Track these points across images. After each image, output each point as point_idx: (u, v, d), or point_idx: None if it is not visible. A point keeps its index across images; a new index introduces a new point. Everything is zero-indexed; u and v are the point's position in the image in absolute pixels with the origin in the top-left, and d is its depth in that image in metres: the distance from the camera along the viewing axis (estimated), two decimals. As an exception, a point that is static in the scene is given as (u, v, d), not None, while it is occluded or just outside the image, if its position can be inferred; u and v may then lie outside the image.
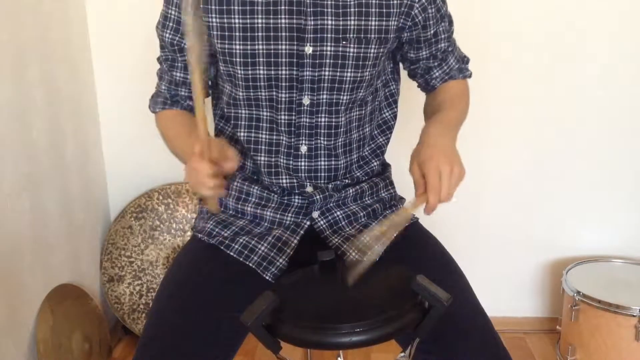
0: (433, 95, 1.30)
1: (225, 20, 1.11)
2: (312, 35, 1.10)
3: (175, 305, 1.09)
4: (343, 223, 1.22)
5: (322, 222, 1.21)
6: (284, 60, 1.12)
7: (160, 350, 1.03)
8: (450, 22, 1.25)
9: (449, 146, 1.08)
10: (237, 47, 1.12)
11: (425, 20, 1.18)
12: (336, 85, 1.15)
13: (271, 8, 1.09)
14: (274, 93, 1.15)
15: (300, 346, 0.89)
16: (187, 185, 2.07)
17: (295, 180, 1.20)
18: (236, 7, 1.10)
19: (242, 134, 1.21)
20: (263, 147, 1.20)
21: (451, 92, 1.28)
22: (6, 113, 1.55)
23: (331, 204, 1.23)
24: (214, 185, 0.97)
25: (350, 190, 1.24)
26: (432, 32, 1.21)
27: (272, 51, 1.11)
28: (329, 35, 1.11)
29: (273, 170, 1.20)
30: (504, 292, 2.16)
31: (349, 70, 1.14)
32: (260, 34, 1.10)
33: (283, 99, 1.15)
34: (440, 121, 1.16)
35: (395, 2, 1.14)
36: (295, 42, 1.10)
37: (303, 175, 1.20)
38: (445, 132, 1.12)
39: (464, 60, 1.31)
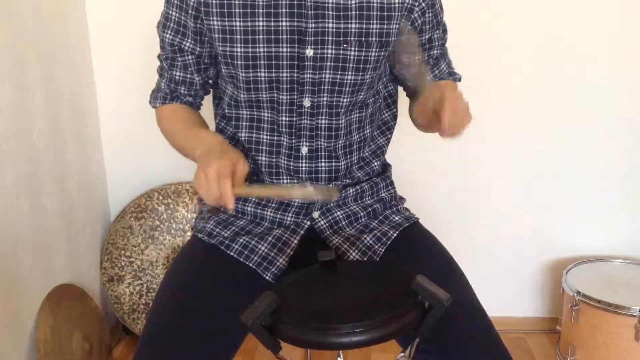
0: None
1: (227, 23, 1.11)
2: (312, 38, 1.10)
3: (175, 305, 1.10)
4: (343, 223, 1.22)
5: (322, 222, 1.21)
6: (284, 62, 1.12)
7: (160, 350, 1.02)
8: (445, 31, 1.26)
9: None
10: (238, 49, 1.12)
11: (423, 25, 1.18)
12: (337, 87, 1.15)
13: (272, 11, 1.09)
14: (275, 95, 1.15)
15: (300, 346, 0.89)
16: (187, 185, 2.07)
17: (295, 181, 1.20)
18: (237, 10, 1.10)
19: (243, 134, 1.21)
20: (264, 147, 1.20)
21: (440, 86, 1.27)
22: (6, 113, 1.55)
23: (331, 204, 1.23)
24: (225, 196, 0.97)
25: (351, 190, 1.24)
26: (427, 37, 1.21)
27: (273, 54, 1.11)
28: (330, 38, 1.11)
29: (274, 170, 1.20)
30: (504, 292, 2.16)
31: (350, 73, 1.14)
32: (261, 36, 1.10)
33: (284, 101, 1.15)
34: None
35: (396, 5, 1.14)
36: (296, 45, 1.11)
37: (304, 176, 1.20)
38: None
39: (451, 66, 1.31)
